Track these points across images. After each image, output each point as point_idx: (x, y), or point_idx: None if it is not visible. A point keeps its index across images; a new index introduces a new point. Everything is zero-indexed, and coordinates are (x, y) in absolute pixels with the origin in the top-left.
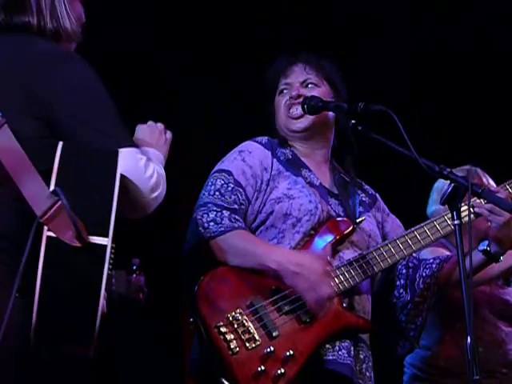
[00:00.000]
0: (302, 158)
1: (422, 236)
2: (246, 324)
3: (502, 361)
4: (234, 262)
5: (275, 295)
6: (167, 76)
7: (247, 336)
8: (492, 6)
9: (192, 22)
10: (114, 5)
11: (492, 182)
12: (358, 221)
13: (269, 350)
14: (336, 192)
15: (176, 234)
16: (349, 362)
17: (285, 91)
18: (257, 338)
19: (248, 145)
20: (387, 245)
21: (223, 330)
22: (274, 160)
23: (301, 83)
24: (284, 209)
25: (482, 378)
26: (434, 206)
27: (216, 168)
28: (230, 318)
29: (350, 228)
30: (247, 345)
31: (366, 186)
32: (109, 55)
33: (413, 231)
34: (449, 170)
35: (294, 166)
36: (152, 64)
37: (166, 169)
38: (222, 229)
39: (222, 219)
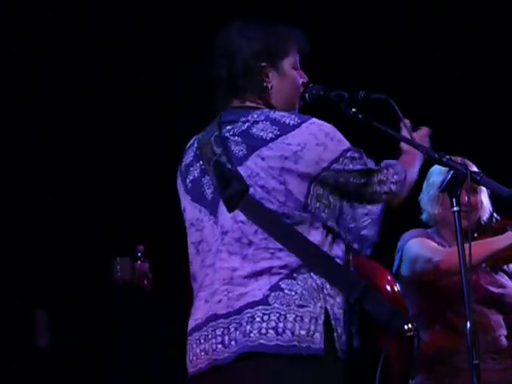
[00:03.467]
0: None
1: None
2: None
3: (491, 347)
4: None
5: None
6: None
7: None
8: (489, 4)
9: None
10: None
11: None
12: None
13: None
14: None
15: (179, 220)
16: None
17: (298, 68)
18: None
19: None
20: None
21: None
22: None
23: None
24: None
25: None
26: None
27: (344, 146)
28: None
29: None
30: None
31: None
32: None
33: None
34: (448, 157)
35: None
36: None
37: (169, 157)
38: None
39: None
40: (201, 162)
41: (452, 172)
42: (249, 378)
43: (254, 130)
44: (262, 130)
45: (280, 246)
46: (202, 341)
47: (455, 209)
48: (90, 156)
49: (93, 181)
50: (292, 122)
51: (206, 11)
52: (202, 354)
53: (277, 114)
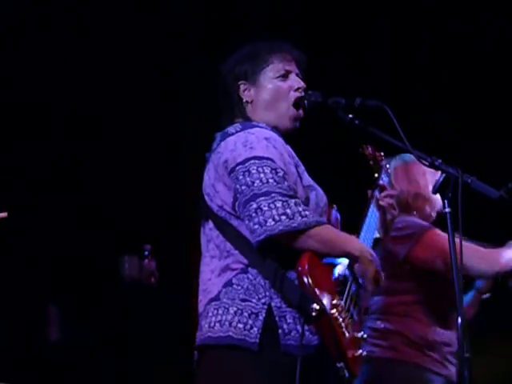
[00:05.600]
0: None
1: None
2: (347, 308)
3: None
4: (319, 250)
5: (347, 282)
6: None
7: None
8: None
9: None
10: None
11: None
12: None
13: (360, 335)
14: None
15: (185, 220)
16: None
17: (289, 76)
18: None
19: (266, 132)
20: None
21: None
22: (288, 146)
23: (297, 75)
24: (314, 198)
25: None
26: None
27: (250, 155)
28: (335, 302)
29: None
30: (349, 329)
31: None
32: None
33: None
34: (440, 161)
35: None
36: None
37: (174, 157)
38: (310, 221)
39: (304, 211)
40: None
41: (444, 175)
42: (204, 368)
43: (214, 143)
44: (216, 141)
45: (232, 246)
46: None
47: (447, 210)
48: (91, 156)
49: (93, 180)
50: (233, 131)
51: (207, 11)
52: None
53: (232, 126)
